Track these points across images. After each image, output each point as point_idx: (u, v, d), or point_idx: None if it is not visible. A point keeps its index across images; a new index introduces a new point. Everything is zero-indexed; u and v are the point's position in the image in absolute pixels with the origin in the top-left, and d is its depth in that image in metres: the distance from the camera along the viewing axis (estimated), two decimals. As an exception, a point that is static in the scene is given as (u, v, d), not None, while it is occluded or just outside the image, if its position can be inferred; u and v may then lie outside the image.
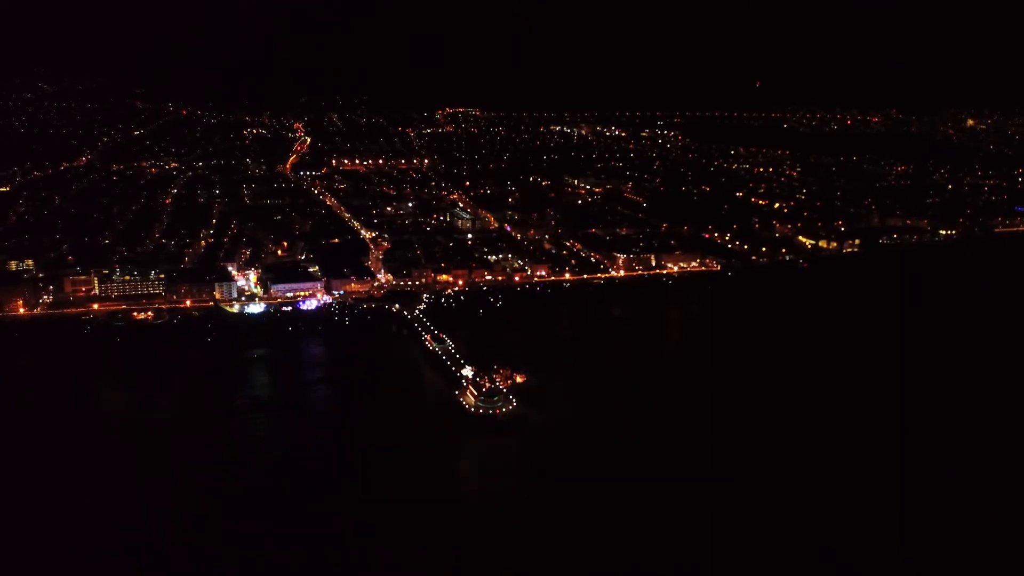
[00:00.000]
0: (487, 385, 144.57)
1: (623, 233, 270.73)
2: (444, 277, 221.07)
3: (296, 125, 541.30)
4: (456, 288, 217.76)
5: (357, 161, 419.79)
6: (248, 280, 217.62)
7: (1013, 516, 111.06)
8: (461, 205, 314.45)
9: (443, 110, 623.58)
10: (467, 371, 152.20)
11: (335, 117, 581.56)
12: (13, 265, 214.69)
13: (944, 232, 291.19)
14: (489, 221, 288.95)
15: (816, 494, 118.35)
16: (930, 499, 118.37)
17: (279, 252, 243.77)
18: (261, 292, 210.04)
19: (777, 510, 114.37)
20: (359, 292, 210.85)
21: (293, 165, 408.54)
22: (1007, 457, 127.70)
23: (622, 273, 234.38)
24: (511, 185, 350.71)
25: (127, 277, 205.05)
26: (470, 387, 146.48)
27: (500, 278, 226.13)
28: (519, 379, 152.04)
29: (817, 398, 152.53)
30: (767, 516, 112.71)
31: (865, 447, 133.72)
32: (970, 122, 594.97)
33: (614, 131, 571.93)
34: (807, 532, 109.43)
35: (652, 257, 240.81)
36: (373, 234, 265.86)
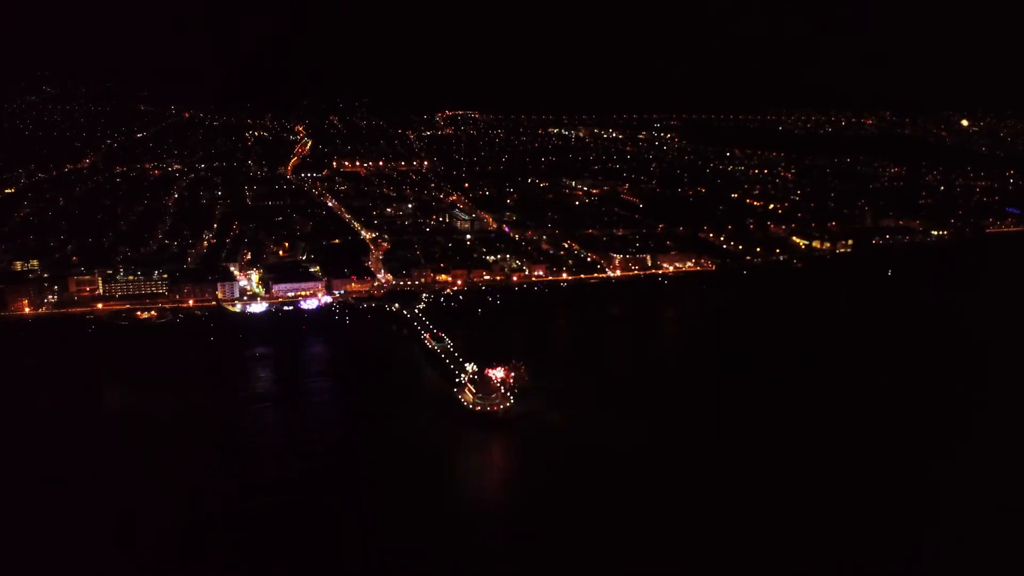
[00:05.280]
0: (488, 381, 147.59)
1: (620, 234, 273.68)
2: (443, 277, 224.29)
3: (297, 127, 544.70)
4: (455, 288, 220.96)
5: (358, 163, 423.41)
6: (250, 280, 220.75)
7: (1012, 516, 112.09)
8: (460, 206, 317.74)
9: (443, 112, 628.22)
10: (469, 367, 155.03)
11: (336, 119, 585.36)
12: (18, 265, 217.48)
13: (936, 233, 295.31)
14: (488, 222, 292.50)
15: (816, 495, 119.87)
16: (929, 500, 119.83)
17: (280, 252, 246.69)
18: (263, 292, 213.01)
19: (777, 511, 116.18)
20: (359, 292, 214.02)
21: (294, 167, 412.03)
22: (1004, 456, 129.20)
23: (618, 273, 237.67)
24: (510, 187, 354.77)
25: (131, 277, 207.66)
26: (468, 384, 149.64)
27: (498, 278, 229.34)
28: (518, 376, 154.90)
29: (815, 398, 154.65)
30: (768, 517, 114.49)
31: (863, 448, 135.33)
32: (964, 122, 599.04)
33: (611, 133, 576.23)
34: (808, 533, 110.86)
35: (648, 257, 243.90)
36: (373, 234, 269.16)
